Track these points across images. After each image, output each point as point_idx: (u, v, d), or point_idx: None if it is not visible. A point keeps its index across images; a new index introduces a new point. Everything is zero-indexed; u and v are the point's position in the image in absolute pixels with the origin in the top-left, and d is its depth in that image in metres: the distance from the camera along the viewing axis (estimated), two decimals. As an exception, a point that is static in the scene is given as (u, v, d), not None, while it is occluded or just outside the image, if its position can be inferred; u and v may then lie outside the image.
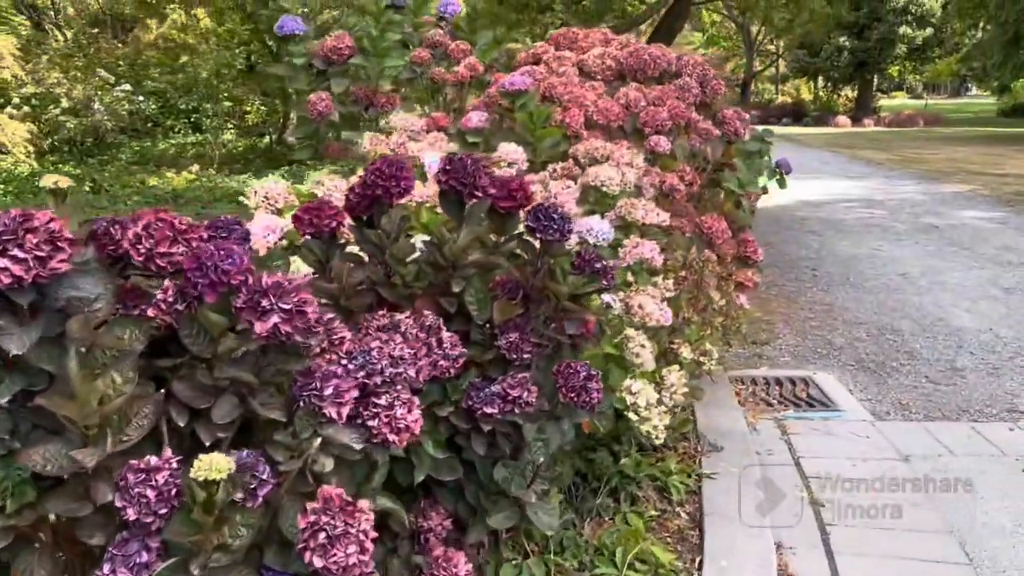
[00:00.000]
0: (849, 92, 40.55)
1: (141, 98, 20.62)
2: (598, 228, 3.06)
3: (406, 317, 2.30)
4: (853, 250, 8.90)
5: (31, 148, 15.84)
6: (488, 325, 2.44)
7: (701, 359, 3.36)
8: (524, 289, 2.43)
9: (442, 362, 2.23)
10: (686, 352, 3.26)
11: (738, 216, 4.40)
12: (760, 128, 7.90)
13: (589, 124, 3.85)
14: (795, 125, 36.47)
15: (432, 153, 3.30)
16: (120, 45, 22.98)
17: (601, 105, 3.80)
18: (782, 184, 7.60)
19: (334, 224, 2.36)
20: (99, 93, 18.86)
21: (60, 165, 16.04)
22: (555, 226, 2.32)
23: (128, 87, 20.01)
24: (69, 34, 24.75)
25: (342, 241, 2.46)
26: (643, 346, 2.91)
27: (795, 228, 10.37)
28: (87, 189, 13.40)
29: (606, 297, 3.02)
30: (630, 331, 2.92)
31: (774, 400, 4.68)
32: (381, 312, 2.30)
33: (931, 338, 5.76)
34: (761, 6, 8.18)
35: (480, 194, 2.38)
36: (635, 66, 4.07)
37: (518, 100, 3.92)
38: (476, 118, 3.95)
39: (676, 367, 3.08)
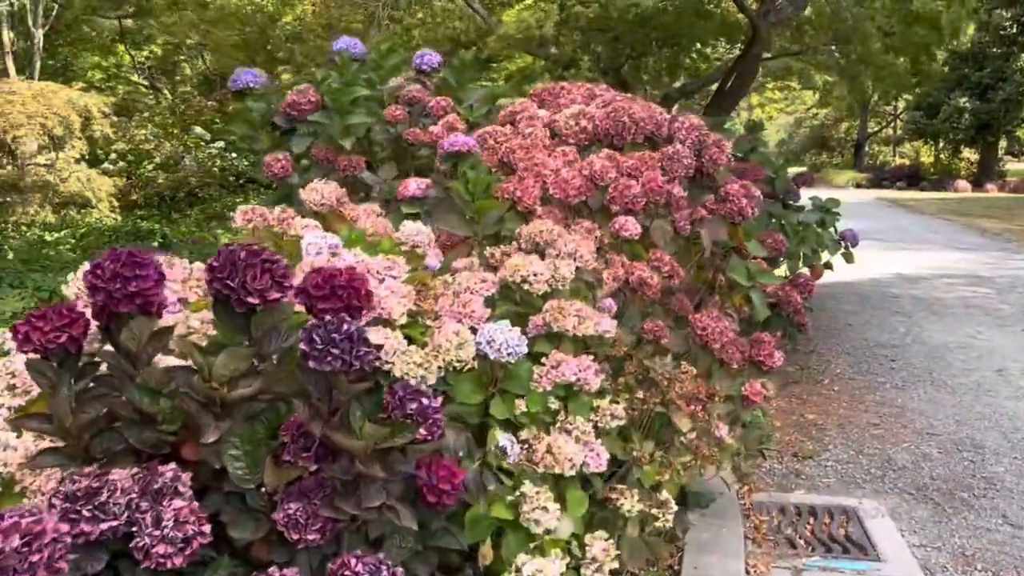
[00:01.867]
0: (972, 155, 38.20)
1: (234, 155, 20.97)
2: (503, 339, 2.33)
3: (128, 475, 1.63)
4: (945, 337, 7.77)
5: (116, 203, 16.14)
6: (262, 489, 1.74)
7: (655, 512, 2.54)
8: (321, 438, 1.72)
9: (158, 548, 1.55)
10: (628, 504, 2.45)
11: (755, 311, 3.55)
12: (824, 197, 7.00)
13: (548, 199, 3.13)
14: (910, 189, 34.50)
15: (317, 234, 2.64)
16: (218, 103, 23.59)
17: (562, 176, 3.08)
18: (848, 258, 6.65)
19: (63, 338, 1.73)
20: (192, 150, 19.26)
21: (142, 220, 16.27)
22: (336, 351, 1.62)
23: (221, 144, 20.40)
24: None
25: (95, 359, 1.83)
26: (545, 509, 2.14)
27: (883, 307, 9.25)
28: (156, 244, 13.40)
29: (503, 439, 2.27)
30: (528, 487, 2.16)
31: (800, 539, 3.76)
32: (88, 469, 1.64)
33: (1021, 460, 4.69)
34: (833, 62, 7.32)
35: (255, 300, 1.70)
36: (611, 129, 3.34)
37: (461, 164, 3.26)
38: (414, 186, 3.29)
39: (602, 535, 2.28)
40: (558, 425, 2.39)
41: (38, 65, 18.86)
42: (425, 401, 1.73)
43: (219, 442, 1.68)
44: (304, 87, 4.32)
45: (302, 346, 1.62)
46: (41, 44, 19.03)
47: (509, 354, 2.30)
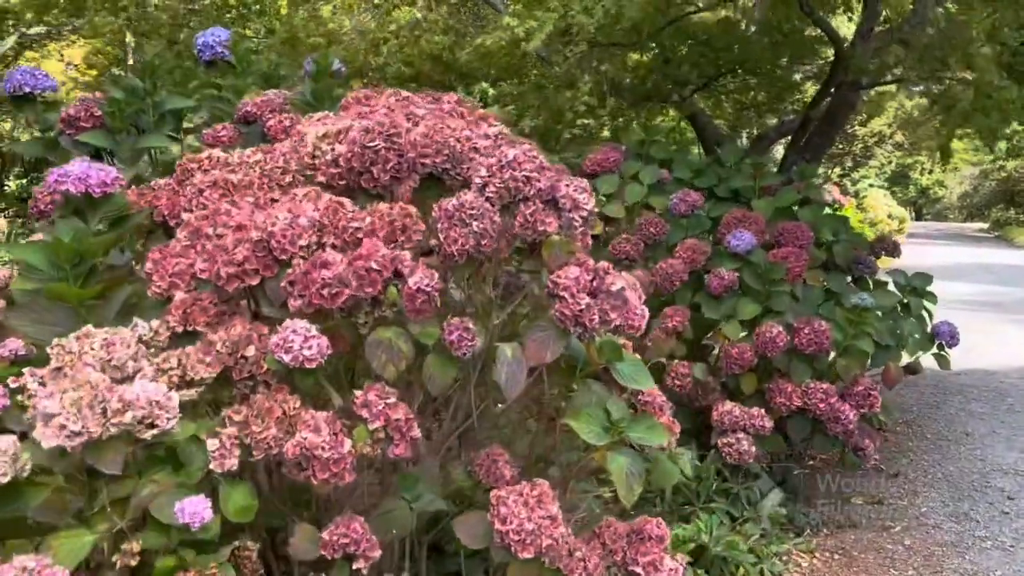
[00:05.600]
0: None
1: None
2: None
3: None
4: (1102, 466, 5.70)
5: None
6: None
7: None
8: None
9: None
10: None
11: (618, 488, 2.03)
12: (909, 272, 5.22)
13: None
14: None
15: None
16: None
17: (222, 242, 1.75)
18: (943, 363, 4.85)
19: None
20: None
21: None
22: None
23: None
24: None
25: None
26: None
27: (1025, 411, 7.16)
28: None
29: None
30: None
31: None
32: None
33: None
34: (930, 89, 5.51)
35: None
36: (355, 161, 1.96)
37: (93, 217, 1.99)
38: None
39: None
40: None
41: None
42: None
43: None
44: (89, 97, 3.19)
45: None
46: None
47: None
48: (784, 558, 4.04)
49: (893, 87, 8.99)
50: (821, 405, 4.18)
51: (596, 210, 2.09)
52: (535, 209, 1.93)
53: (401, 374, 1.97)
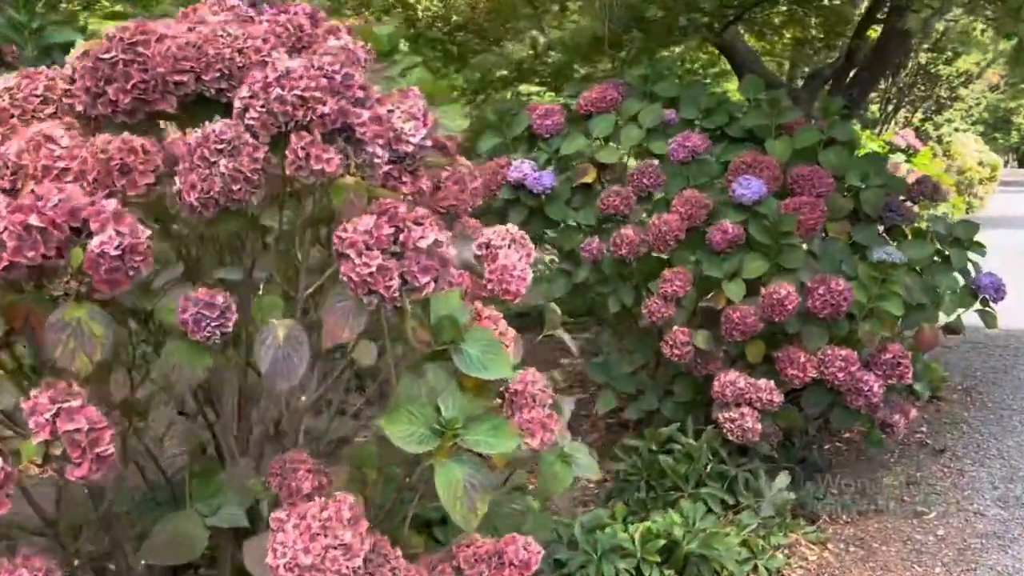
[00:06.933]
0: None
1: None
2: None
3: None
4: None
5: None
6: None
7: None
8: None
9: None
10: None
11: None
12: (955, 217, 4.52)
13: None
14: None
15: None
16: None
17: None
18: (989, 321, 4.17)
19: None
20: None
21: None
22: None
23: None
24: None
25: None
26: None
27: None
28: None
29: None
30: None
31: None
32: None
33: None
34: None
35: None
36: (89, 80, 1.51)
37: None
38: None
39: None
40: None
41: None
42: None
43: None
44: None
45: None
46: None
47: None
48: (787, 551, 3.53)
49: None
50: (840, 375, 3.60)
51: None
52: (309, 141, 1.45)
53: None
